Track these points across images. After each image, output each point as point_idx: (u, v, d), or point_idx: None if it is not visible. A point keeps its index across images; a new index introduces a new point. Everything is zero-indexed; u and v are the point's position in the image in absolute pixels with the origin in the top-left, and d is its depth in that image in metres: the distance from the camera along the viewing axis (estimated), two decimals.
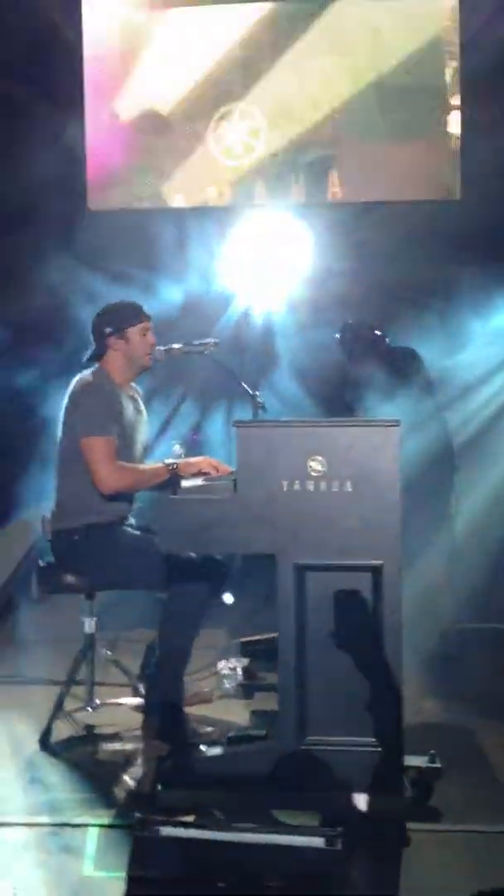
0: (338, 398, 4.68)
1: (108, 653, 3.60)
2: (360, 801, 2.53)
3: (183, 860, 1.68)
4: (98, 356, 3.36)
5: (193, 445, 4.53)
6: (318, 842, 1.67)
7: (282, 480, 2.64)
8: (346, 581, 2.63)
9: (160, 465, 3.21)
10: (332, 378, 4.94)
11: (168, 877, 1.65)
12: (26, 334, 5.34)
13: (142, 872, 1.63)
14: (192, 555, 3.10)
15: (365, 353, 4.54)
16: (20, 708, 3.62)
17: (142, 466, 3.30)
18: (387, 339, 4.62)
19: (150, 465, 3.31)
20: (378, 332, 4.63)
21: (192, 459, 3.25)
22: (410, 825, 2.52)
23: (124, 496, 3.27)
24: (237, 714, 3.50)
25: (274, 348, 5.58)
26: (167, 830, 1.71)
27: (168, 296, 5.09)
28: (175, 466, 3.16)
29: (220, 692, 3.62)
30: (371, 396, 4.39)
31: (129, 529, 3.31)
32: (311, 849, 1.66)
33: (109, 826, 2.65)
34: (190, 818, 1.75)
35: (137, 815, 1.79)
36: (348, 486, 2.62)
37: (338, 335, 4.68)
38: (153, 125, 6.31)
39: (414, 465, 3.53)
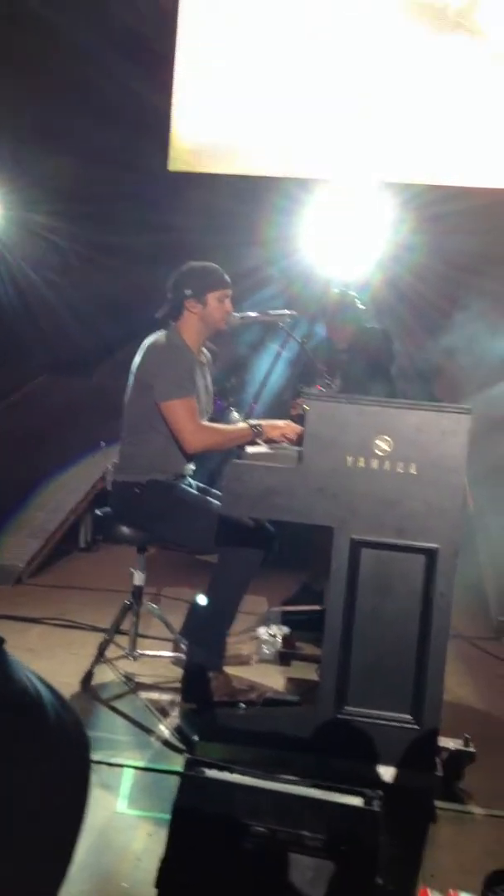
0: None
1: (154, 606, 3.69)
2: (388, 774, 2.59)
3: (225, 802, 1.75)
4: (173, 316, 3.39)
5: (251, 414, 4.56)
6: (356, 801, 1.73)
7: (347, 456, 2.67)
8: (400, 561, 2.66)
9: (244, 425, 3.26)
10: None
11: (210, 815, 1.72)
12: None
13: (186, 807, 1.70)
14: (247, 520, 3.15)
15: (342, 324, 4.36)
16: (65, 649, 3.75)
17: (227, 427, 3.33)
18: (364, 314, 4.44)
19: (235, 425, 3.35)
20: (362, 306, 4.45)
21: (278, 422, 3.28)
22: (438, 803, 2.58)
23: (184, 456, 3.32)
24: (273, 680, 3.57)
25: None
26: (212, 773, 1.78)
27: (248, 264, 5.10)
28: (259, 428, 3.21)
29: (259, 657, 3.69)
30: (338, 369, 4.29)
31: (188, 489, 3.38)
32: (350, 806, 1.72)
33: (144, 769, 2.75)
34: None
35: (186, 756, 1.86)
36: (413, 469, 2.64)
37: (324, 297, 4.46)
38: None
39: None
